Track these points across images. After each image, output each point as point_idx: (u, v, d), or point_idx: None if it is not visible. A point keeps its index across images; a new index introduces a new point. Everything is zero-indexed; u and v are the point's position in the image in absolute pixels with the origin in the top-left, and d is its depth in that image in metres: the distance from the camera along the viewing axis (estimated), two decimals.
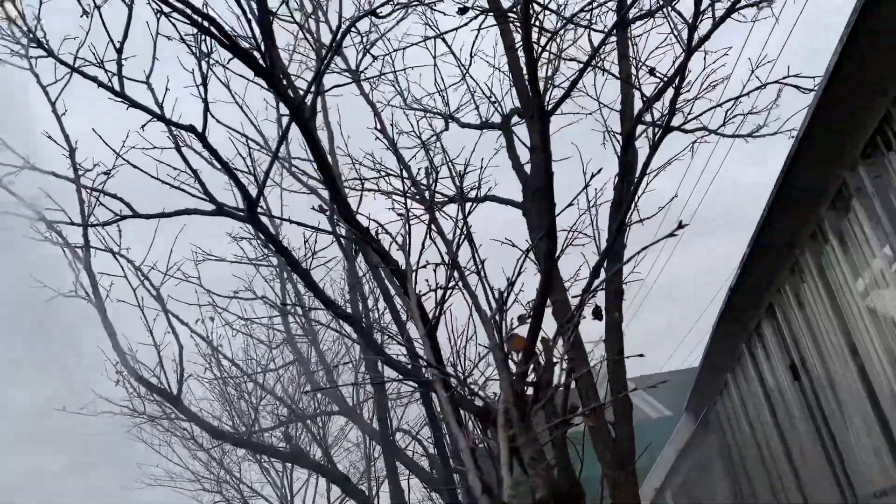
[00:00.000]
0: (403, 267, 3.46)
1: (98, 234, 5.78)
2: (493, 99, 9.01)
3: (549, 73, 9.24)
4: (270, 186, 8.45)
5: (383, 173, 8.17)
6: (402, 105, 9.03)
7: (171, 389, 6.26)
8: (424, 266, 3.42)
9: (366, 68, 6.65)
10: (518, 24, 5.49)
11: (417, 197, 7.44)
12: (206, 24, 2.96)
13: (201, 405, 10.21)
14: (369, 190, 8.22)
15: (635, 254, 4.62)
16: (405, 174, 7.55)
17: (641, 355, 3.47)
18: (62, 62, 4.13)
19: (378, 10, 3.93)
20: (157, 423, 8.91)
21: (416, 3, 4.88)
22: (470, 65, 9.41)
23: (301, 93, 5.40)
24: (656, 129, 6.67)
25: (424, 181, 7.43)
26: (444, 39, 6.93)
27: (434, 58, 7.77)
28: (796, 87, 5.11)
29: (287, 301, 8.58)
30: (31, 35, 4.42)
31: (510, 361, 3.02)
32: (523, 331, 4.37)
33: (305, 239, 5.40)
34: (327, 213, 3.98)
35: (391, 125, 8.39)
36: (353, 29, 5.87)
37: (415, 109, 9.04)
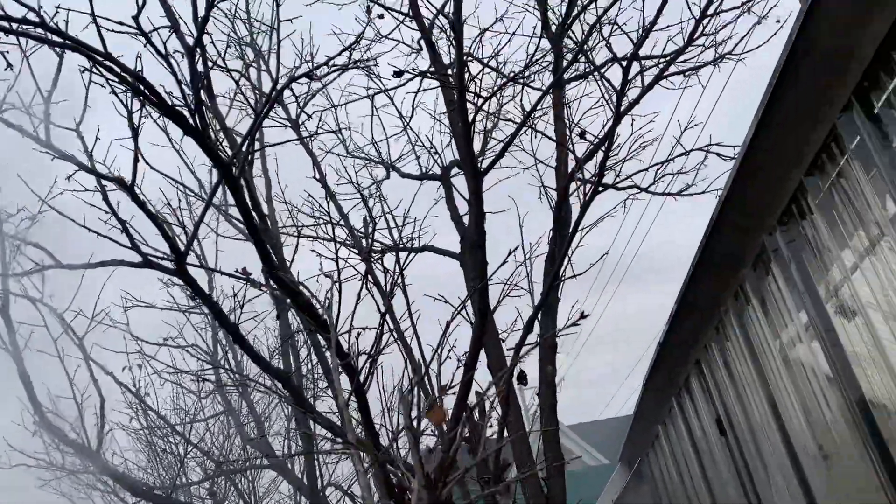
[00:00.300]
0: (331, 323, 3.44)
1: (20, 281, 5.58)
2: (433, 150, 9.14)
3: (489, 127, 9.45)
4: (206, 234, 8.31)
5: (322, 221, 8.15)
6: (343, 153, 9.06)
7: (91, 443, 6.00)
8: (350, 330, 3.40)
9: (306, 120, 6.67)
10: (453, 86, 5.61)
11: (354, 247, 7.45)
12: (135, 82, 2.95)
13: (126, 455, 9.81)
14: (306, 237, 8.18)
15: (561, 329, 4.70)
16: (343, 223, 7.57)
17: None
18: None
19: (313, 73, 3.97)
20: (76, 477, 8.52)
21: (351, 66, 4.96)
22: (412, 117, 9.52)
23: (242, 137, 5.37)
24: (589, 187, 6.87)
25: (364, 230, 7.45)
26: (386, 94, 7.03)
27: (375, 108, 7.85)
28: (718, 154, 5.34)
29: (219, 349, 8.39)
30: None
31: (430, 432, 3.01)
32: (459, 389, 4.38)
33: (235, 292, 5.30)
34: (249, 277, 3.93)
35: (335, 171, 8.42)
36: (292, 83, 5.91)
37: (356, 158, 9.08)
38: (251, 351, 4.48)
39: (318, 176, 7.49)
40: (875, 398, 4.24)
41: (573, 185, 7.20)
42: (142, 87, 2.81)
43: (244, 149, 4.06)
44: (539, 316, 7.73)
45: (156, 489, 7.13)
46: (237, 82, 7.80)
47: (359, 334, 4.08)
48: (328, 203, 7.07)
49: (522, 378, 4.08)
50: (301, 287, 6.42)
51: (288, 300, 5.70)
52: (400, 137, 9.22)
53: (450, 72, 7.33)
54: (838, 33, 3.22)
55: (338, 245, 6.61)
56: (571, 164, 7.31)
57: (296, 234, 7.80)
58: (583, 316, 3.31)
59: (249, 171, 6.65)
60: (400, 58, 8.69)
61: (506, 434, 5.62)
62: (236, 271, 3.76)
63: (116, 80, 2.88)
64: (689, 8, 5.50)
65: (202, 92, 2.95)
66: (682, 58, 6.46)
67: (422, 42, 8.90)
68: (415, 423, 2.63)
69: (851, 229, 3.95)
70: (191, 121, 2.90)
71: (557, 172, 8.19)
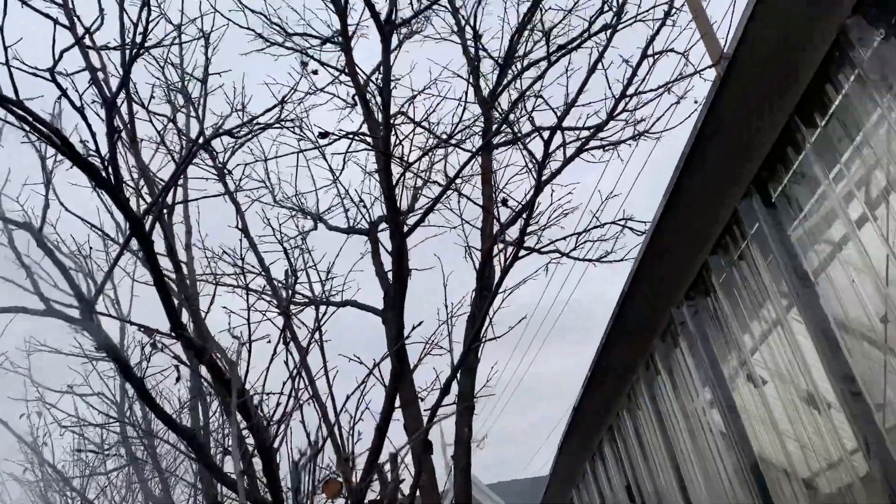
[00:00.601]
0: (235, 385, 3.37)
1: None
2: (362, 204, 9.16)
3: (418, 185, 9.57)
4: (122, 278, 8.04)
5: (243, 271, 8.00)
6: (271, 202, 8.99)
7: None
8: (263, 392, 3.34)
9: (229, 174, 6.61)
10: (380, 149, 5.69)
11: (274, 298, 7.33)
12: (50, 133, 2.90)
13: None
14: (225, 285, 8.01)
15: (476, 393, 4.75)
16: (263, 274, 7.46)
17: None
18: None
19: (234, 131, 3.98)
20: None
21: (276, 125, 4.99)
22: (342, 171, 9.56)
23: (160, 189, 5.28)
24: (511, 250, 7.01)
25: (285, 282, 7.35)
26: (318, 149, 7.07)
27: (307, 161, 7.85)
28: (631, 229, 5.57)
29: (126, 399, 8.05)
30: None
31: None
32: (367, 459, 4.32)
33: (143, 345, 5.13)
34: (151, 334, 3.84)
35: (262, 219, 8.31)
36: (218, 136, 5.87)
37: (283, 207, 9.02)
38: (156, 407, 4.31)
39: (240, 225, 7.40)
40: (766, 460, 4.41)
41: (496, 248, 7.34)
42: (55, 139, 2.76)
43: (163, 200, 4.00)
44: (458, 376, 7.76)
45: None
46: (164, 126, 7.70)
47: (269, 394, 4.01)
48: (246, 254, 6.97)
49: (428, 447, 4.07)
50: (212, 340, 6.27)
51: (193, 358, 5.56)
52: (329, 190, 9.22)
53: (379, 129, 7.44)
54: (741, 124, 3.45)
55: (255, 297, 6.50)
56: (497, 226, 7.47)
57: (214, 282, 7.64)
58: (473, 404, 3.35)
59: (169, 218, 6.52)
60: (335, 111, 8.77)
61: (418, 495, 5.56)
62: (140, 329, 3.66)
63: (30, 129, 2.82)
64: (610, 88, 5.79)
65: (117, 146, 2.91)
66: (605, 132, 6.75)
67: (356, 97, 9.03)
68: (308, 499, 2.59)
69: (751, 308, 4.16)
70: (104, 174, 2.86)
71: (483, 234, 8.35)
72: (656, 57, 5.44)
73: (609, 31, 4.81)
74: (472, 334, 7.18)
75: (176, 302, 4.86)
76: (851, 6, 2.66)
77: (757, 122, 3.39)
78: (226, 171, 5.99)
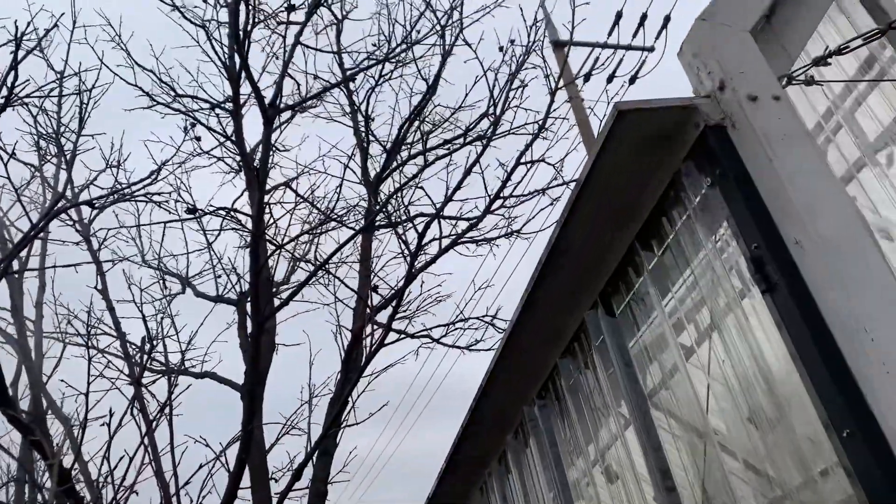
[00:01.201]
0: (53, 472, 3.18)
1: None
2: (234, 272, 8.97)
3: (294, 260, 9.49)
4: None
5: (97, 332, 7.61)
6: (139, 262, 8.66)
7: None
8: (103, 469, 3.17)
9: (96, 231, 6.39)
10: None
11: (128, 364, 6.98)
12: None
13: None
14: (74, 345, 7.58)
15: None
16: (118, 338, 7.11)
17: None
18: None
19: (104, 199, 3.90)
20: None
21: (144, 199, 4.92)
22: (216, 238, 9.35)
23: (12, 248, 5.00)
24: (380, 333, 7.04)
25: (141, 348, 7.03)
26: (183, 220, 6.95)
27: (182, 231, 7.69)
28: (494, 326, 5.82)
29: None
30: None
31: None
32: None
33: None
34: None
35: (127, 278, 7.96)
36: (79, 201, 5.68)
37: (151, 268, 8.71)
38: None
39: (99, 286, 7.08)
40: None
41: (366, 330, 7.37)
42: None
43: (17, 254, 3.80)
44: (314, 460, 7.57)
45: None
46: (31, 175, 7.36)
47: (104, 476, 3.80)
48: (102, 315, 6.67)
49: None
50: (54, 406, 5.86)
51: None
52: (202, 254, 8.97)
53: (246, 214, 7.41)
54: (592, 242, 3.68)
55: (105, 363, 6.18)
56: (368, 310, 7.52)
57: (62, 341, 7.22)
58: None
59: (21, 274, 6.17)
60: (218, 174, 8.64)
61: None
62: None
63: None
64: (486, 187, 6.09)
65: None
66: (480, 227, 7.04)
67: (241, 165, 8.98)
68: None
69: (594, 415, 4.36)
70: None
71: (354, 314, 8.36)
72: (530, 165, 5.81)
73: (485, 140, 5.12)
74: (332, 417, 7.09)
75: (10, 370, 4.55)
76: (685, 152, 2.97)
77: (603, 241, 3.66)
78: (91, 234, 5.78)
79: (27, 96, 4.03)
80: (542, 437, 5.14)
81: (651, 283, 3.44)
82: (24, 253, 4.95)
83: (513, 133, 5.69)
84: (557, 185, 6.28)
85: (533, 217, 6.64)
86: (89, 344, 7.29)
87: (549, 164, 5.63)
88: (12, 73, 2.82)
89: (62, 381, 4.70)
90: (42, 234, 6.95)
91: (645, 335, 3.69)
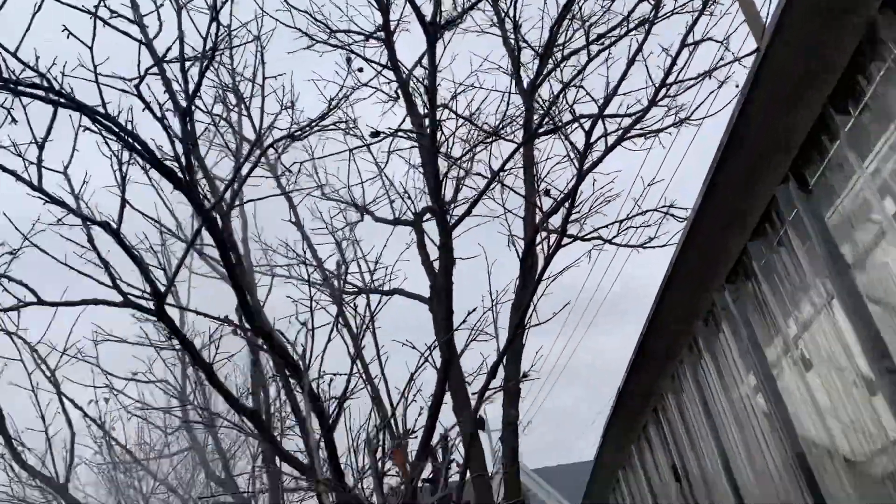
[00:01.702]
0: (304, 368, 3.64)
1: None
2: (407, 196, 9.40)
3: (461, 175, 9.77)
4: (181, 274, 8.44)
5: (296, 262, 8.33)
6: (320, 196, 9.29)
7: (59, 477, 6.06)
8: (320, 375, 3.60)
9: (283, 173, 6.92)
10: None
11: (326, 288, 7.64)
12: (132, 141, 3.18)
13: (87, 490, 9.76)
14: (279, 276, 8.35)
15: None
16: (316, 265, 7.77)
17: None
18: None
19: (296, 134, 4.23)
20: None
21: (333, 128, 5.24)
22: (386, 163, 9.82)
23: (224, 186, 5.58)
24: (554, 238, 7.16)
25: (336, 272, 7.65)
26: (366, 147, 7.32)
27: (353, 157, 8.12)
28: (673, 215, 5.69)
29: (188, 386, 8.46)
30: None
31: (394, 473, 3.22)
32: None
33: (210, 333, 5.48)
34: (231, 323, 4.13)
35: (310, 212, 8.62)
36: (272, 132, 6.16)
37: (332, 200, 9.32)
38: (224, 390, 4.61)
39: (293, 219, 7.72)
40: (811, 444, 4.51)
41: (539, 237, 7.51)
42: (137, 146, 3.04)
43: (225, 197, 4.28)
44: (504, 361, 7.97)
45: None
46: (217, 125, 8.04)
47: (331, 380, 4.28)
48: (298, 245, 7.27)
49: (481, 424, 4.29)
50: (275, 330, 6.60)
51: (262, 343, 5.87)
52: (375, 182, 9.46)
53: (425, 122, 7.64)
54: (776, 113, 3.56)
55: (311, 287, 6.81)
56: (539, 215, 7.64)
57: (270, 274, 7.98)
58: (525, 376, 3.55)
59: (229, 214, 6.85)
60: (377, 104, 9.01)
61: (468, 475, 5.80)
62: (224, 317, 3.95)
63: (112, 136, 3.11)
64: (650, 76, 5.89)
65: (192, 152, 3.18)
66: (646, 120, 6.84)
67: (398, 92, 9.27)
68: (379, 464, 2.83)
69: (791, 293, 4.28)
70: (180, 176, 3.13)
71: (525, 223, 8.52)
72: (695, 46, 5.53)
73: (647, 25, 4.93)
74: (517, 321, 7.37)
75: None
76: (880, 2, 2.79)
77: (792, 110, 3.52)
78: (285, 169, 6.26)
79: (215, 52, 4.40)
80: (736, 322, 5.10)
81: (848, 147, 3.28)
82: (227, 195, 5.51)
83: (676, 13, 5.40)
84: (726, 64, 5.92)
85: (701, 103, 6.32)
86: (291, 274, 8.05)
87: (717, 41, 5.32)
88: (213, 24, 3.13)
89: (288, 296, 5.25)
90: (240, 177, 7.64)
91: (844, 203, 3.55)
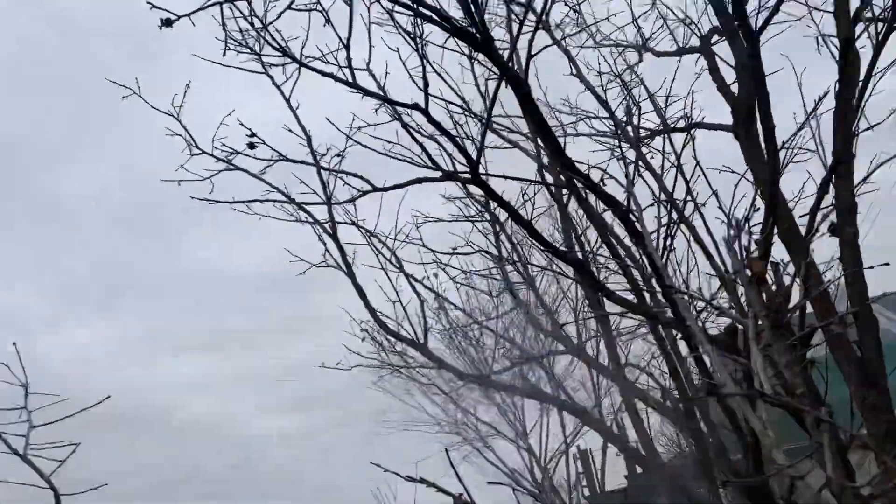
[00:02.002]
0: (627, 207, 3.64)
1: (338, 210, 6.58)
2: (688, 21, 8.67)
3: None
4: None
5: (581, 116, 8.25)
6: (592, 45, 8.97)
7: (419, 339, 7.00)
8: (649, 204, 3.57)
9: (558, 23, 6.76)
10: None
11: (622, 135, 7.48)
12: (423, 9, 3.31)
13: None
14: (571, 135, 8.35)
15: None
16: (606, 113, 7.60)
17: (886, 264, 3.35)
18: (297, 60, 4.58)
19: None
20: (399, 373, 9.87)
21: None
22: None
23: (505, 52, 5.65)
24: (879, 26, 6.15)
25: (625, 119, 7.43)
26: None
27: None
28: None
29: (502, 252, 9.02)
30: (265, 39, 4.83)
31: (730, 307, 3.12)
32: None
33: (523, 191, 5.72)
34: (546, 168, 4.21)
35: (586, 65, 8.39)
36: None
37: (606, 46, 8.94)
38: (544, 240, 4.82)
39: (574, 70, 7.55)
40: None
41: (859, 28, 6.48)
42: (429, 13, 3.15)
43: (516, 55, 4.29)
44: (833, 178, 7.19)
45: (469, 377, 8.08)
46: None
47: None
48: (593, 95, 7.13)
49: (834, 229, 3.97)
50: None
51: (569, 192, 5.99)
52: (648, 16, 8.85)
53: None
54: None
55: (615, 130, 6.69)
56: (854, 3, 6.57)
57: (560, 133, 8.01)
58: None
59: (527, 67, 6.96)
60: None
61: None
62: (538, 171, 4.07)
63: (404, 8, 3.25)
64: None
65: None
66: None
67: None
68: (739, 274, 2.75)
69: None
70: (478, 37, 3.20)
71: (836, 16, 7.37)
72: None
73: None
74: (844, 128, 6.55)
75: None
76: None
77: None
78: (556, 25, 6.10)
79: None
80: None
81: None
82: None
83: None
84: None
85: None
86: (577, 131, 7.99)
87: None
88: None
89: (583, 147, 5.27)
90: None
91: None
